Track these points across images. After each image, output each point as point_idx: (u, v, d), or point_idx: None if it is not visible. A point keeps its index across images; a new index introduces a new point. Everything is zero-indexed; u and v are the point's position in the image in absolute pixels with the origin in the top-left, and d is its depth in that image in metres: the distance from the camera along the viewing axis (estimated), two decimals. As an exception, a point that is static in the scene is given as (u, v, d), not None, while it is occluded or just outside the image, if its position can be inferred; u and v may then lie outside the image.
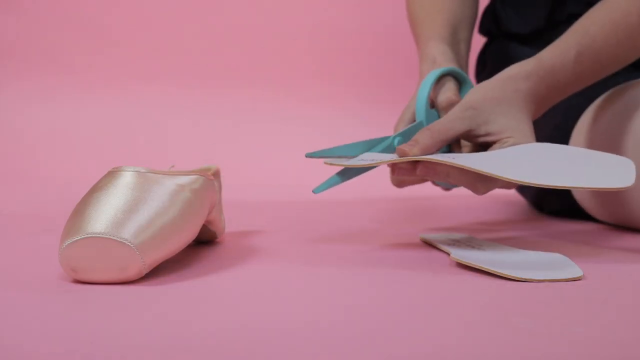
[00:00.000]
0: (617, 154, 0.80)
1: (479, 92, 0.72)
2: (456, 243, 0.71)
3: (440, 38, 0.84)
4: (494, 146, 0.69)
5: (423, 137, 0.68)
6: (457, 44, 0.87)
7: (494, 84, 0.73)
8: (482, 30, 1.07)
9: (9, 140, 1.51)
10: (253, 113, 1.63)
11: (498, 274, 0.59)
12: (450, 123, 0.69)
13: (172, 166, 0.72)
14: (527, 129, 0.71)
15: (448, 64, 0.80)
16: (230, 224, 0.80)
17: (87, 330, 0.44)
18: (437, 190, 1.36)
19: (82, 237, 0.54)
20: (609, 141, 0.82)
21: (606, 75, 0.79)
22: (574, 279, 0.59)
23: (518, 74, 0.73)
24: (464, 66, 0.86)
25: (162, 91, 1.64)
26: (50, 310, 0.49)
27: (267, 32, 1.68)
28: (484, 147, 0.71)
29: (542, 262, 0.63)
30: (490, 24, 1.04)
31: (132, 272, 0.55)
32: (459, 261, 0.63)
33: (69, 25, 1.64)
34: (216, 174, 0.72)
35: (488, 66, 1.04)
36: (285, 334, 0.44)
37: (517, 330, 0.45)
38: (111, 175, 0.59)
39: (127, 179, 0.58)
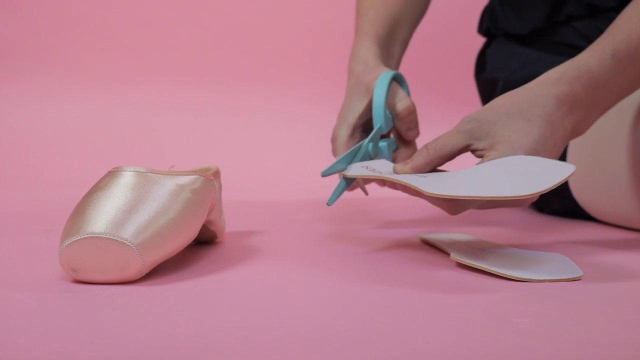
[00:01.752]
0: (606, 139, 0.79)
1: (492, 101, 0.68)
2: (456, 243, 0.71)
3: (376, 37, 0.83)
4: (479, 161, 0.65)
5: (418, 156, 0.66)
6: (391, 44, 0.86)
7: (514, 91, 0.68)
8: (481, 30, 1.07)
9: (8, 140, 1.51)
10: (253, 113, 1.63)
11: (498, 274, 0.59)
12: (447, 139, 0.66)
13: (172, 166, 0.72)
14: (524, 140, 0.64)
15: (378, 67, 0.78)
16: (230, 224, 0.80)
17: (87, 331, 0.44)
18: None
19: (82, 237, 0.54)
20: (619, 128, 0.82)
21: None
22: (574, 279, 0.59)
23: (547, 79, 0.68)
24: (395, 68, 0.86)
25: (162, 91, 1.64)
26: (50, 311, 0.49)
27: (269, 31, 1.68)
28: None
29: (543, 262, 0.63)
30: (489, 24, 1.04)
31: (132, 272, 0.55)
32: (459, 261, 0.63)
33: (69, 24, 1.64)
34: (216, 174, 0.71)
35: (487, 66, 1.04)
36: (286, 334, 0.44)
37: (517, 331, 0.45)
38: (111, 175, 0.59)
39: (127, 179, 0.58)
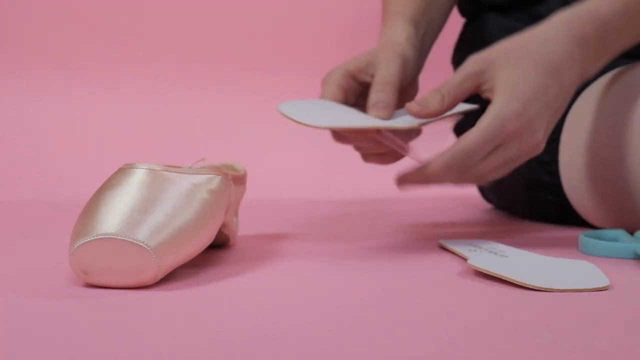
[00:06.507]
0: (621, 138, 0.78)
1: (502, 42, 0.69)
2: (477, 249, 0.69)
3: (409, 16, 0.79)
4: (478, 126, 0.66)
5: (432, 102, 0.67)
6: (425, 25, 0.82)
7: (525, 33, 0.69)
8: (461, 9, 1.04)
9: (11, 139, 1.49)
10: (265, 109, 1.61)
11: (518, 283, 0.57)
12: (459, 85, 0.67)
13: (203, 159, 0.69)
14: (525, 87, 0.66)
15: (410, 51, 0.75)
16: (241, 226, 0.78)
17: (99, 338, 0.42)
18: (453, 193, 1.34)
19: (94, 238, 0.51)
20: (613, 125, 0.79)
21: None
22: (600, 289, 0.57)
23: (559, 20, 0.69)
24: (426, 51, 0.82)
25: (167, 87, 1.62)
26: (59, 316, 0.46)
27: (285, 32, 1.67)
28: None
29: (567, 270, 0.61)
30: (468, 3, 1.00)
31: (148, 276, 0.52)
32: (476, 268, 0.60)
33: (72, 21, 1.62)
34: (242, 178, 0.69)
35: (468, 46, 1.00)
36: (298, 340, 0.42)
37: (534, 344, 0.43)
38: (123, 172, 0.57)
39: (140, 176, 0.56)
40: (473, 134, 0.66)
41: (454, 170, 0.66)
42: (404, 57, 0.73)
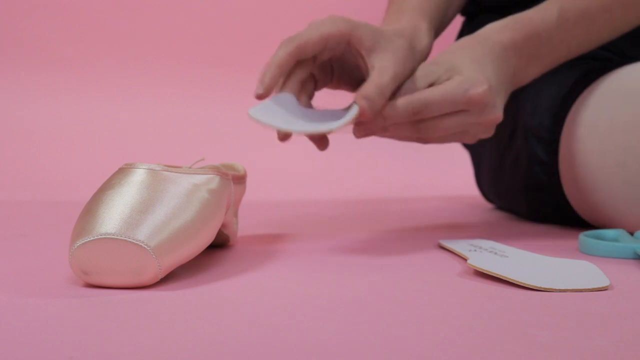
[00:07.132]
0: (619, 139, 0.78)
1: (447, 48, 0.71)
2: (477, 249, 0.69)
3: (430, 18, 0.77)
4: (445, 83, 0.67)
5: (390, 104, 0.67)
6: (437, 27, 0.81)
7: (464, 38, 0.72)
8: (461, 11, 1.04)
9: (11, 139, 1.49)
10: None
11: (517, 283, 0.57)
12: (411, 85, 0.68)
13: (203, 159, 0.69)
14: (483, 68, 0.69)
15: (423, 43, 0.73)
16: (241, 227, 0.78)
17: (99, 338, 0.42)
18: (453, 193, 1.34)
19: (94, 238, 0.51)
20: (611, 126, 0.79)
21: (604, 34, 0.77)
22: (600, 289, 0.57)
23: (493, 28, 0.73)
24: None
25: (167, 93, 1.62)
26: (60, 318, 0.46)
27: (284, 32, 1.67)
28: None
29: (567, 270, 0.61)
30: (469, 4, 1.01)
31: (148, 276, 0.52)
32: (476, 268, 0.60)
33: (73, 22, 1.62)
34: (242, 178, 0.69)
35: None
36: (297, 341, 0.42)
37: (534, 344, 0.43)
38: (123, 172, 0.57)
39: (140, 176, 0.56)
40: (437, 89, 0.67)
41: (409, 115, 0.66)
42: (412, 70, 0.70)
